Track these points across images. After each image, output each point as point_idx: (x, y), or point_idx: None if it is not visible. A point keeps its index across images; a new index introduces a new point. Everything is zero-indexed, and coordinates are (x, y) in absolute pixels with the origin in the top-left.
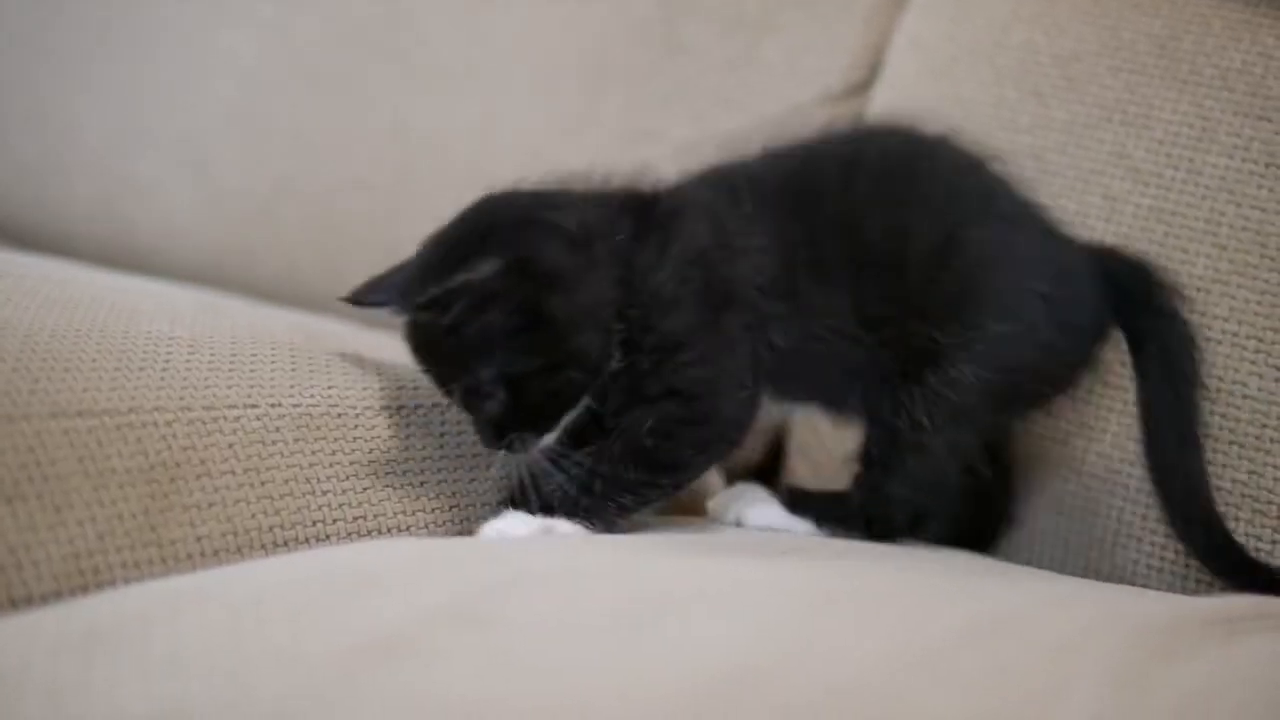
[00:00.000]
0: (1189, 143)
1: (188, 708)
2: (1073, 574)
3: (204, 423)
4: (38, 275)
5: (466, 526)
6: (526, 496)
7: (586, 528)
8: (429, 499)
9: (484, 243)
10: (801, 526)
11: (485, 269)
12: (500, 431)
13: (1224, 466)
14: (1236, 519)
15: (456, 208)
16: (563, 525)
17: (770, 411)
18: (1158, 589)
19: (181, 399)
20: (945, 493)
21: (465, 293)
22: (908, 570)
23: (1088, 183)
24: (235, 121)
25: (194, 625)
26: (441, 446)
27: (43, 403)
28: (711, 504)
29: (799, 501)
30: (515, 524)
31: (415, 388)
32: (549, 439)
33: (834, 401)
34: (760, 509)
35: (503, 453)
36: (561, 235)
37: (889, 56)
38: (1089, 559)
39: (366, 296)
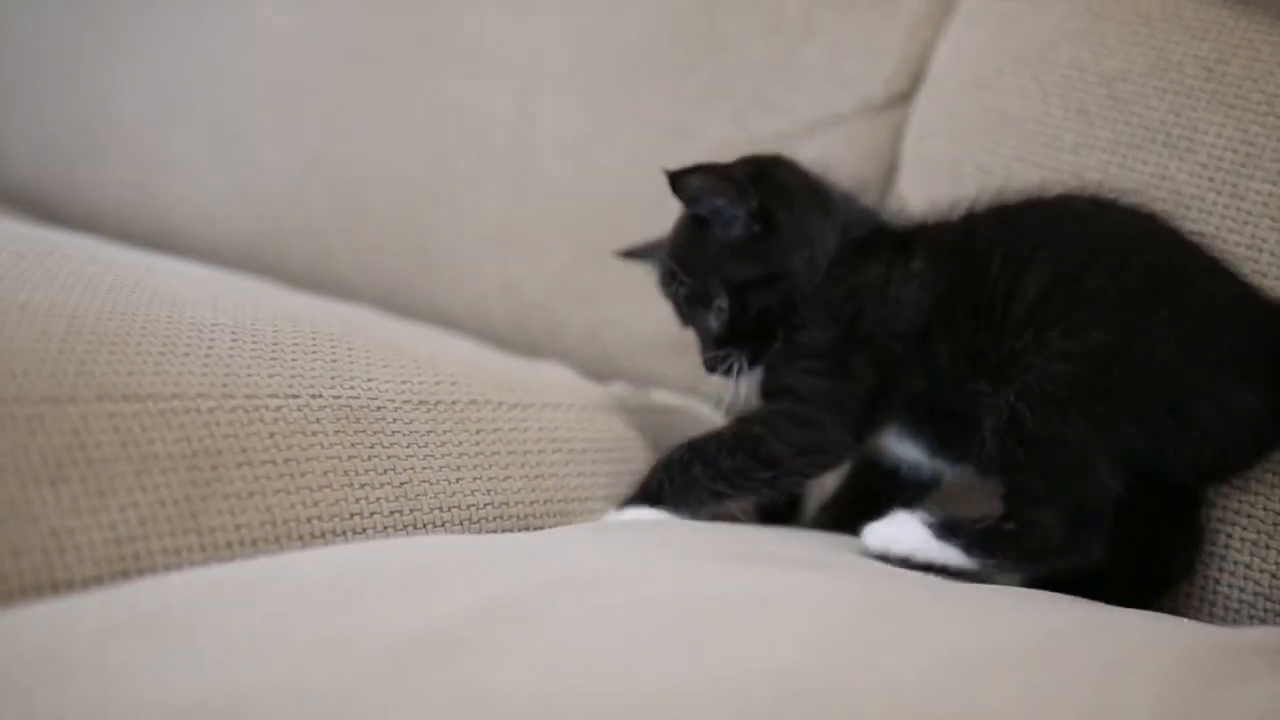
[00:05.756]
0: (1232, 167)
1: (240, 696)
2: None
3: (246, 411)
4: (81, 256)
5: (500, 524)
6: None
7: (672, 513)
8: (464, 495)
9: (735, 164)
10: (951, 555)
11: (736, 170)
12: (718, 344)
13: (1257, 495)
14: (1269, 547)
15: (493, 199)
16: (645, 513)
17: (901, 451)
18: None
19: (224, 386)
20: (1086, 496)
21: (716, 179)
22: (953, 589)
23: None
24: (269, 101)
25: (242, 614)
26: (478, 444)
27: (88, 385)
28: (865, 531)
29: (948, 529)
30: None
31: (453, 383)
32: (749, 377)
33: (957, 454)
34: (909, 534)
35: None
36: (802, 178)
37: (932, 66)
38: None
39: (635, 251)
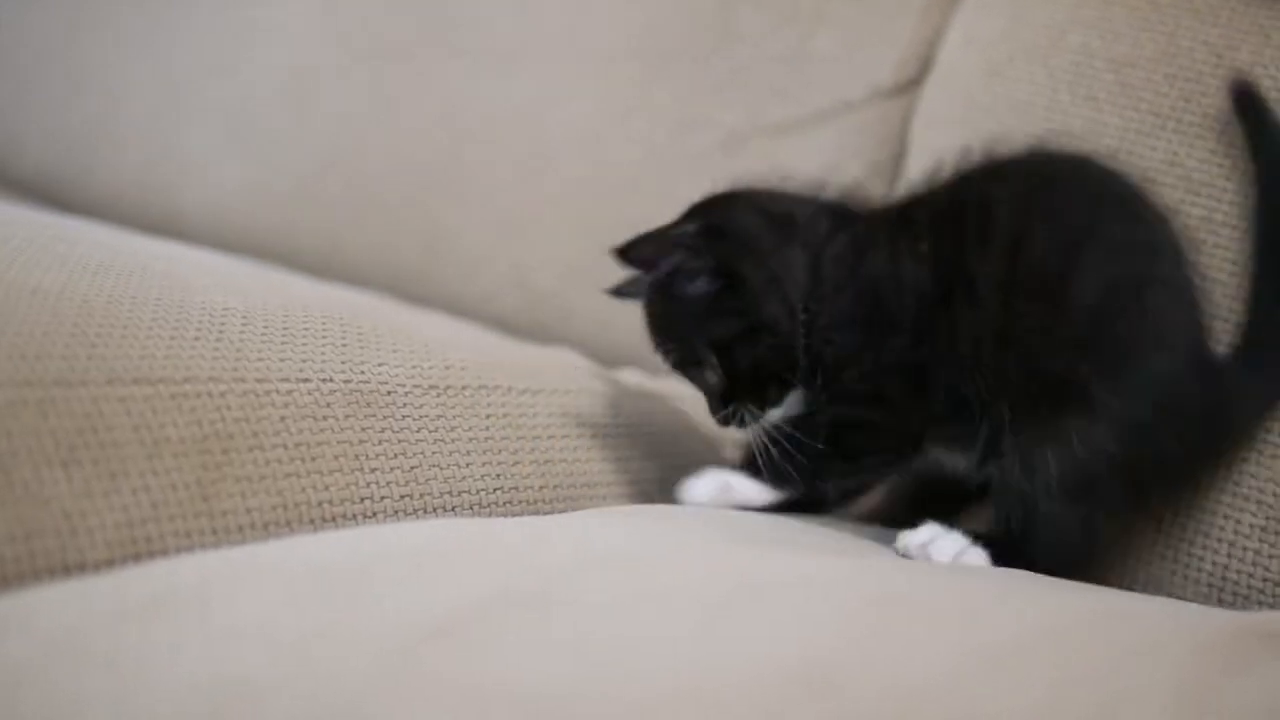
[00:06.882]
0: (1243, 153)
1: (249, 678)
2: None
3: (257, 395)
4: (90, 241)
5: (510, 509)
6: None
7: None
8: (474, 480)
9: (690, 215)
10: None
11: (684, 229)
12: (723, 401)
13: (1267, 480)
14: (1279, 533)
15: (505, 192)
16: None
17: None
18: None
19: (235, 370)
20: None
21: (666, 246)
22: (971, 576)
23: None
24: (281, 95)
25: (254, 597)
26: (488, 428)
27: (100, 369)
28: (900, 541)
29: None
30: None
31: (463, 368)
32: (772, 414)
33: (958, 438)
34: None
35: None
36: (758, 211)
37: (942, 53)
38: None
39: (626, 289)
